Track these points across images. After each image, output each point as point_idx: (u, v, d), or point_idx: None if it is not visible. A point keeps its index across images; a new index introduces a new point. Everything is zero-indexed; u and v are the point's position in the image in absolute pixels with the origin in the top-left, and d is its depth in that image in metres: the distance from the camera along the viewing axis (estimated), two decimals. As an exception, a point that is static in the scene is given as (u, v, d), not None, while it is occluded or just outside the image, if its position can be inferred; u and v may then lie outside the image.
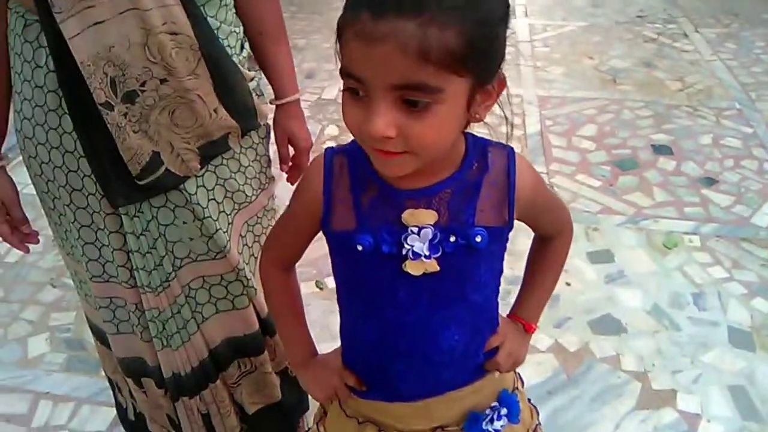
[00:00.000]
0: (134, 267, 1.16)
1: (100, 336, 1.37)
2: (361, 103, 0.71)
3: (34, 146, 1.09)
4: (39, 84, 1.02)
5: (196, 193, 1.11)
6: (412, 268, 0.84)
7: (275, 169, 1.32)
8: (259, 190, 1.26)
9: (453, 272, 0.86)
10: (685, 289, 2.18)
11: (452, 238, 0.83)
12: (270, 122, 1.26)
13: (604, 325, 2.05)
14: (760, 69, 3.81)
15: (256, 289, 1.28)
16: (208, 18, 1.03)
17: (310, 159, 1.37)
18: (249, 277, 1.26)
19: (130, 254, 1.15)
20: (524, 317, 1.05)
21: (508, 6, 0.72)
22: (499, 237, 0.88)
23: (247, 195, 1.22)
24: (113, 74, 0.96)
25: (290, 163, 1.35)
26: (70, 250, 1.24)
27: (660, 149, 2.98)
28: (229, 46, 1.08)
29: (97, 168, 1.04)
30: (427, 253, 0.83)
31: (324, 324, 2.04)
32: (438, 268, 0.84)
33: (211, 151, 1.10)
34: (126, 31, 0.94)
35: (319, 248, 2.27)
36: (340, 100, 3.29)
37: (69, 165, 1.08)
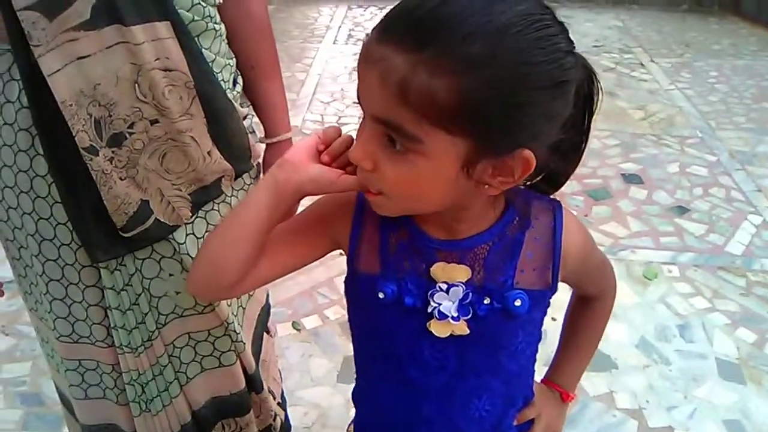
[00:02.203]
0: (113, 325, 1.05)
1: (65, 401, 1.24)
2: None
3: (0, 189, 0.97)
4: (8, 121, 0.91)
5: (185, 242, 1.01)
6: (437, 328, 0.76)
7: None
8: (247, 235, 1.16)
9: (486, 338, 0.77)
10: (670, 321, 2.15)
11: (486, 300, 0.75)
12: (260, 161, 1.17)
13: (595, 361, 1.96)
14: (716, 98, 3.89)
15: (244, 344, 1.18)
16: (203, 50, 0.94)
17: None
18: (238, 331, 1.15)
19: (109, 311, 1.04)
20: (561, 384, 0.96)
21: (559, 79, 0.61)
22: (540, 302, 0.78)
23: (236, 241, 1.12)
24: (98, 115, 0.86)
25: None
26: (34, 305, 1.11)
27: (630, 178, 2.99)
28: (223, 80, 1.00)
29: (76, 217, 0.93)
30: (456, 314, 0.74)
31: (304, 369, 1.94)
32: (467, 332, 0.75)
33: (204, 197, 1.00)
34: (114, 67, 0.85)
35: (294, 286, 2.15)
36: (305, 130, 3.23)
37: (40, 212, 0.96)
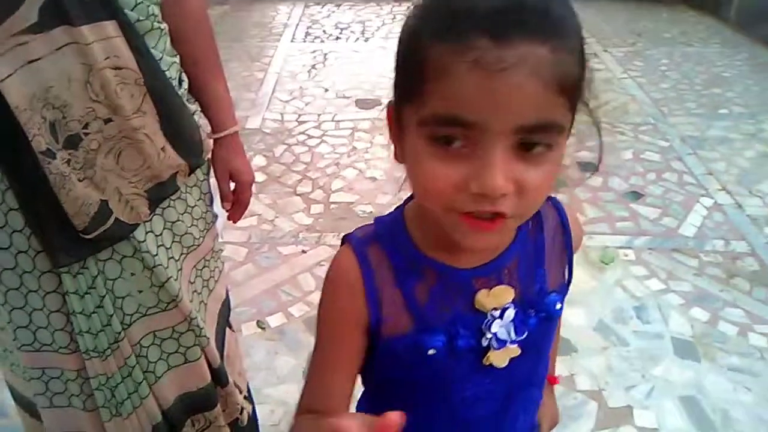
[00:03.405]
0: (77, 330, 1.04)
1: (28, 408, 1.22)
2: (458, 157, 0.57)
3: None
4: None
5: (145, 240, 1.01)
6: (497, 359, 0.71)
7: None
8: (205, 231, 1.18)
9: (532, 350, 0.74)
10: (626, 304, 2.21)
11: (531, 313, 0.71)
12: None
13: (555, 346, 2.04)
14: (668, 85, 3.99)
15: (208, 338, 1.18)
16: (150, 49, 0.95)
17: (252, 194, 1.30)
18: (201, 326, 1.16)
19: (72, 316, 1.03)
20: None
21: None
22: (565, 297, 0.76)
23: (194, 237, 1.13)
24: (53, 118, 0.86)
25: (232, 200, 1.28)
26: (-8, 316, 1.10)
27: (586, 166, 3.05)
28: (170, 78, 1.00)
29: (36, 222, 0.93)
30: (514, 337, 0.70)
31: (270, 366, 1.95)
32: (519, 351, 0.72)
33: (160, 193, 1.01)
34: (65, 68, 0.85)
35: (257, 285, 2.16)
36: (265, 129, 3.20)
37: None
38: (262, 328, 2.11)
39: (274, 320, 2.13)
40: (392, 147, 0.68)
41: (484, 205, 0.57)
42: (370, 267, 0.70)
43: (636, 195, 2.84)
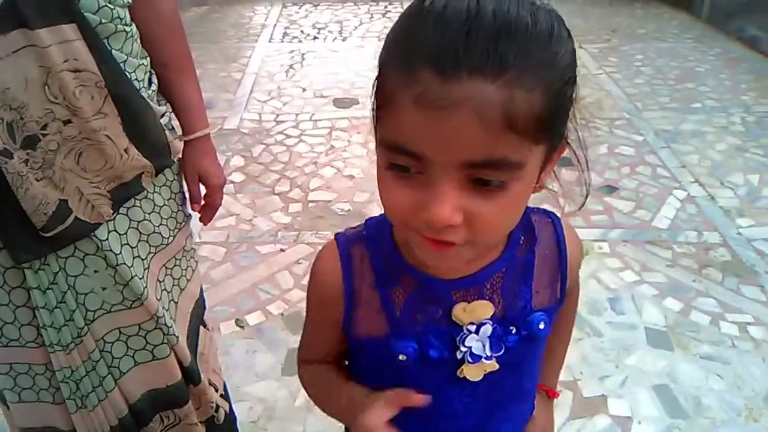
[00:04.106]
0: (41, 324, 1.05)
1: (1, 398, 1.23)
2: (413, 182, 0.57)
3: None
4: None
5: (107, 238, 1.02)
6: (471, 372, 0.71)
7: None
8: (176, 230, 1.18)
9: (512, 367, 0.73)
10: (601, 295, 2.24)
11: (513, 330, 0.71)
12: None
13: (530, 338, 2.07)
14: (642, 80, 4.03)
15: (177, 337, 1.19)
16: (114, 51, 0.95)
17: (223, 197, 1.30)
18: (169, 324, 1.17)
19: (36, 311, 1.04)
20: (546, 384, 0.94)
21: (574, 50, 0.59)
22: (553, 318, 0.75)
23: (163, 236, 1.14)
24: (10, 118, 0.87)
25: (202, 202, 1.28)
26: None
27: (561, 161, 3.07)
28: (137, 79, 1.01)
29: None
30: (489, 354, 0.70)
31: (249, 365, 1.96)
32: (497, 367, 0.72)
33: (124, 193, 1.02)
34: (22, 71, 0.86)
35: (236, 284, 2.17)
36: (243, 129, 3.21)
37: None
38: (241, 327, 2.12)
39: (253, 318, 2.14)
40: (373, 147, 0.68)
41: (432, 233, 0.58)
42: (351, 267, 0.72)
43: (611, 189, 2.87)
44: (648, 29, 4.97)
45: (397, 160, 0.57)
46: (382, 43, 0.60)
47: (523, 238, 0.73)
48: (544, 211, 0.77)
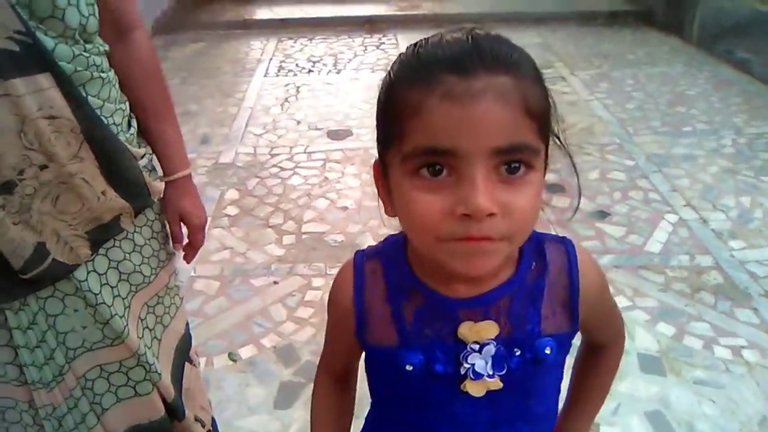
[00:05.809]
0: (23, 363, 1.07)
1: None
2: (443, 186, 0.61)
3: None
4: None
5: (86, 279, 1.04)
6: (473, 389, 0.74)
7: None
8: (159, 269, 1.20)
9: (517, 388, 0.76)
10: (593, 322, 2.23)
11: (517, 352, 0.74)
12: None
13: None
14: (633, 105, 4.07)
15: (160, 374, 1.21)
16: (90, 97, 0.98)
17: (205, 236, 1.31)
18: (152, 362, 1.18)
19: (18, 350, 1.06)
20: (570, 428, 0.95)
21: None
22: (565, 345, 0.78)
23: (144, 275, 1.16)
24: None
25: (185, 242, 1.29)
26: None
27: (552, 188, 3.10)
28: (114, 123, 1.04)
29: None
30: (491, 372, 0.73)
31: (241, 399, 1.96)
32: (501, 386, 0.75)
33: (102, 235, 1.04)
34: None
35: (229, 317, 2.17)
36: (238, 163, 3.22)
37: None
38: (234, 360, 2.12)
39: (246, 352, 2.15)
40: (382, 204, 0.73)
41: (470, 230, 0.61)
42: (363, 280, 0.78)
43: (602, 214, 2.89)
44: (638, 54, 5.03)
45: (429, 159, 0.61)
46: (376, 75, 0.66)
47: (534, 263, 0.76)
48: (561, 238, 0.79)
